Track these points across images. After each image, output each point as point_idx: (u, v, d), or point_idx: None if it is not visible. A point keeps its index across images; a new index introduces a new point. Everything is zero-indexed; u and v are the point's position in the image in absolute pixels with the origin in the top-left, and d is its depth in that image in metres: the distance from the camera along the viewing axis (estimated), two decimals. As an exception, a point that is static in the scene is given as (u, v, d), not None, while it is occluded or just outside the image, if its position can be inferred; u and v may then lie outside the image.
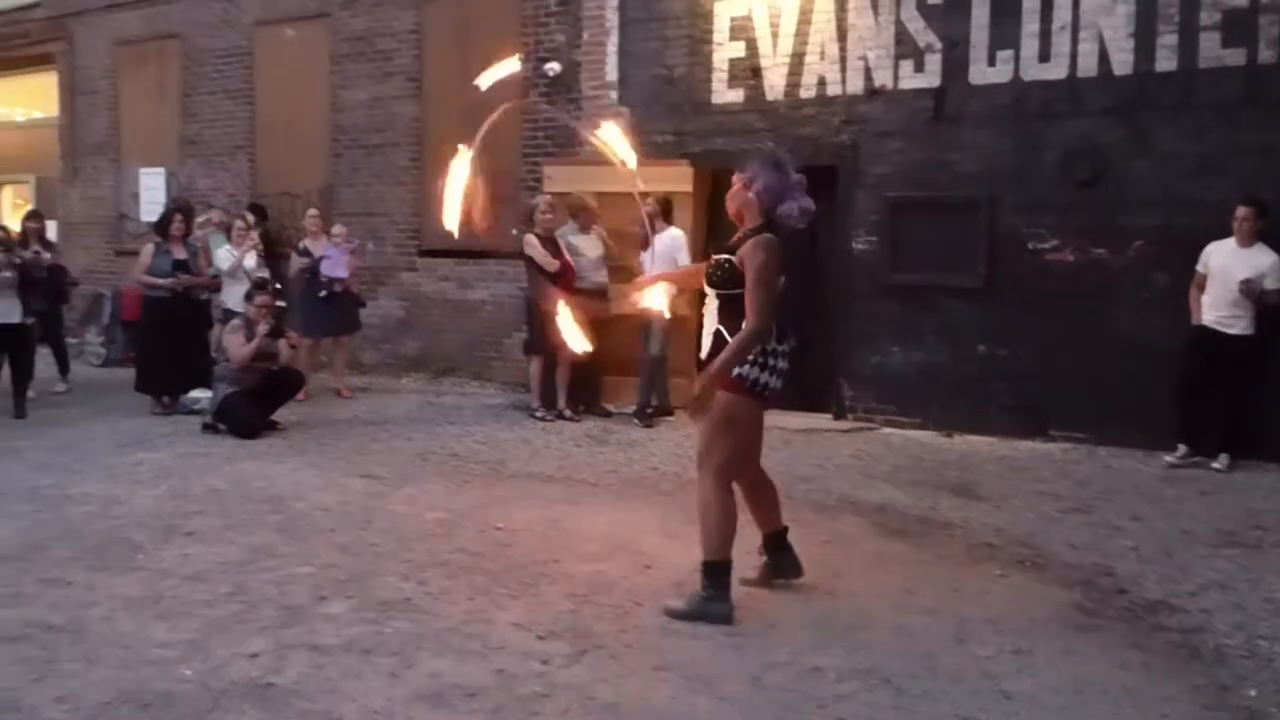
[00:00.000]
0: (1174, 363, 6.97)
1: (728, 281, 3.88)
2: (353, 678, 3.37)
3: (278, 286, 8.44)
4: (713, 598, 3.86)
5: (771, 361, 3.87)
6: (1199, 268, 6.89)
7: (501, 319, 10.07)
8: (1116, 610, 4.12)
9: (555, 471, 6.56)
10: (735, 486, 4.00)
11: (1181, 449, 6.88)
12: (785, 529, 4.24)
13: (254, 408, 7.56)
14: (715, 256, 3.96)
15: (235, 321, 7.80)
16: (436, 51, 10.55)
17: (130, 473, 6.34)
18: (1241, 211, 6.72)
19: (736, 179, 4.06)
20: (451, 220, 4.45)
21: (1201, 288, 6.87)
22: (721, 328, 3.89)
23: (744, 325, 3.77)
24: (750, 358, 3.80)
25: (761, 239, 3.85)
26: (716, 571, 3.88)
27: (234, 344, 7.58)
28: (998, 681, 3.39)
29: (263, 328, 7.61)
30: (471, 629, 3.80)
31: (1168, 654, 3.68)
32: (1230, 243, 6.80)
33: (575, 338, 4.84)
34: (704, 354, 3.96)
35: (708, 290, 3.98)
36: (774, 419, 8.20)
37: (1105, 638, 3.82)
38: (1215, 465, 6.72)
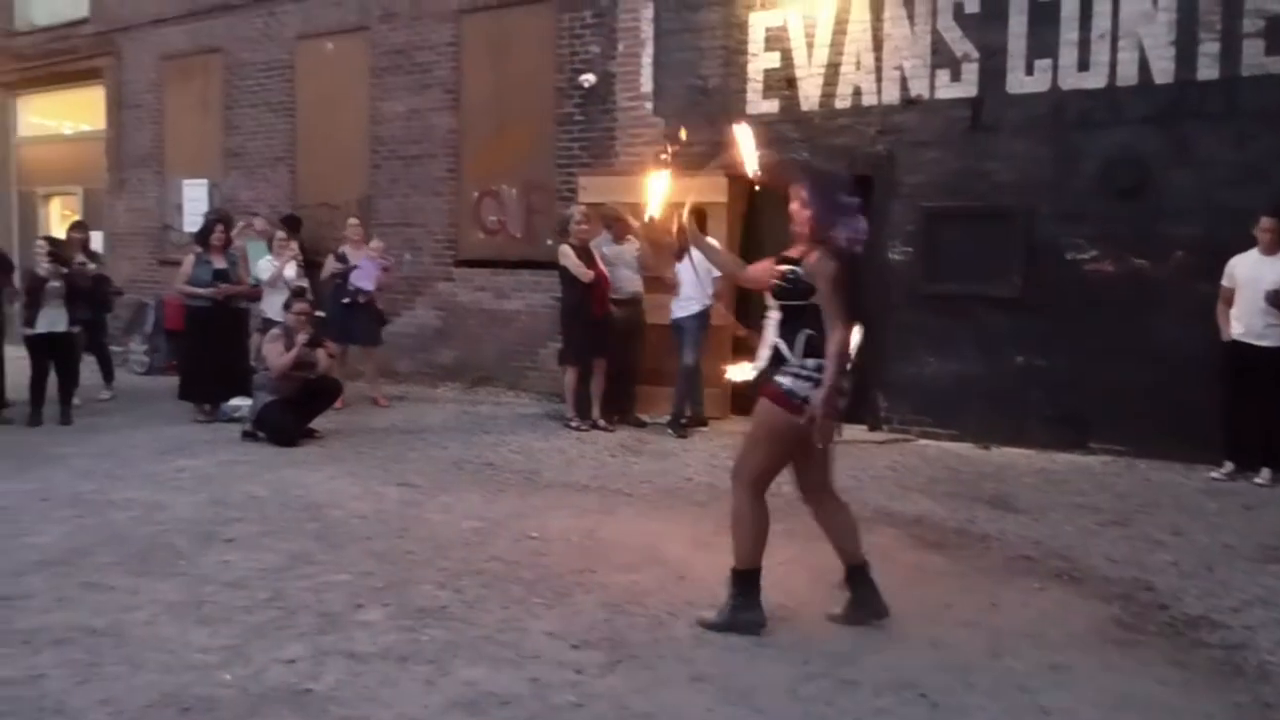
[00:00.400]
0: (1216, 374, 6.87)
1: (794, 293, 3.83)
2: (389, 685, 3.40)
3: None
4: (742, 606, 3.85)
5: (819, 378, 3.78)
6: (1225, 282, 6.81)
7: (537, 329, 10.12)
8: (1156, 625, 4.06)
9: (590, 481, 6.58)
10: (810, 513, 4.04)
11: (1228, 465, 6.77)
12: (865, 564, 4.05)
13: (292, 415, 7.66)
14: (782, 267, 3.91)
15: (274, 330, 7.90)
16: (474, 64, 10.66)
17: (172, 479, 6.45)
18: (1266, 222, 6.65)
19: (794, 196, 3.98)
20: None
21: (1229, 302, 6.80)
22: (780, 341, 3.84)
23: (829, 339, 3.72)
24: (804, 374, 3.75)
25: (829, 249, 3.81)
26: (746, 579, 3.87)
27: (273, 353, 7.68)
28: (1035, 696, 3.36)
29: (301, 337, 7.71)
30: (506, 637, 3.83)
31: (1209, 671, 3.63)
32: (1254, 254, 6.72)
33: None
34: (758, 367, 3.92)
35: (770, 302, 3.95)
36: (809, 430, 8.27)
37: (1145, 653, 3.77)
38: (1258, 480, 6.61)
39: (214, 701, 3.26)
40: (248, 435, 7.72)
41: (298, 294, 8.03)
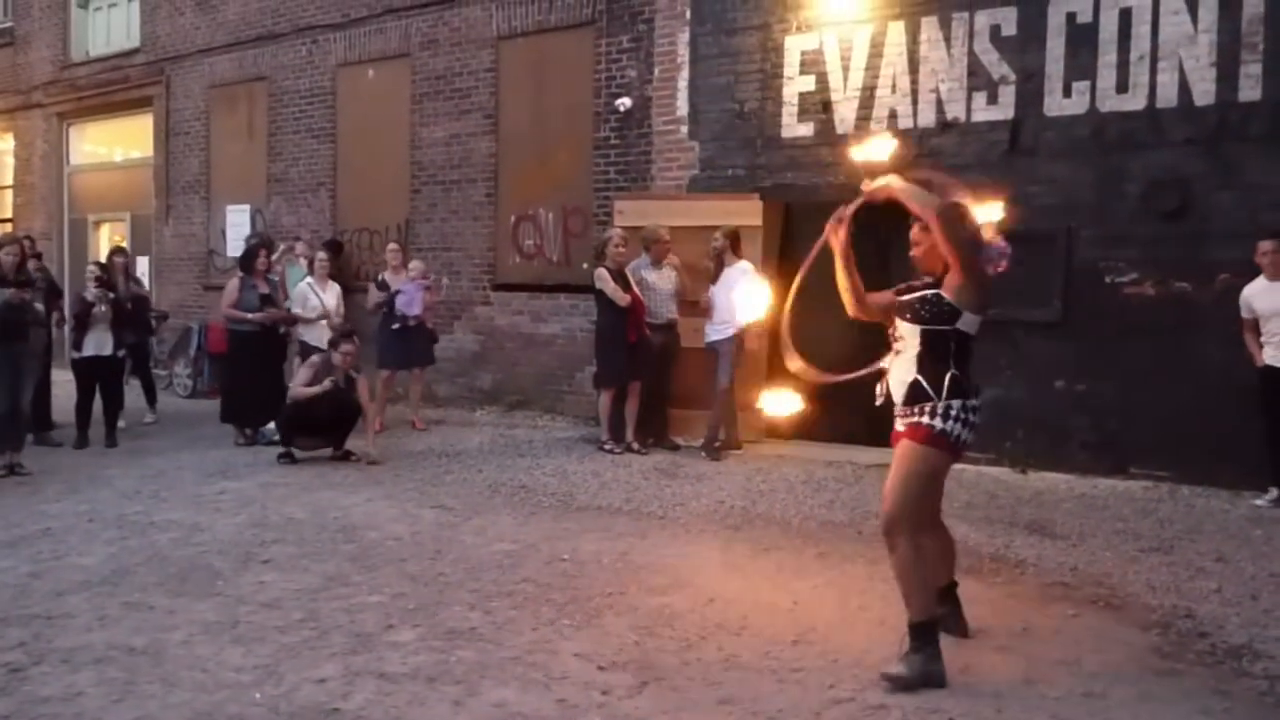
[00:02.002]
0: (1258, 400, 6.74)
1: (937, 316, 3.67)
2: (417, 705, 3.43)
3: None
4: (931, 657, 3.60)
5: (971, 418, 3.69)
6: (1244, 314, 6.73)
7: (574, 353, 10.18)
8: (1197, 654, 3.98)
9: (623, 504, 6.58)
10: (901, 543, 3.73)
11: (1273, 492, 6.64)
12: (954, 583, 4.07)
13: (303, 431, 7.81)
14: (920, 293, 3.74)
15: (314, 358, 8.01)
16: (512, 89, 10.80)
17: (213, 501, 6.55)
18: (1266, 245, 6.58)
19: (927, 226, 3.75)
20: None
21: (1254, 331, 6.72)
22: (920, 377, 3.67)
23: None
24: (953, 414, 3.62)
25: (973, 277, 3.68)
26: (928, 630, 3.63)
27: (301, 378, 7.81)
28: (1069, 725, 3.31)
29: (336, 377, 7.79)
30: (535, 659, 3.84)
31: (1252, 702, 3.54)
32: (1263, 281, 6.65)
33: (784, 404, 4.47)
34: (900, 402, 3.74)
35: (905, 331, 3.75)
36: (848, 454, 8.23)
37: (1185, 683, 3.69)
38: (1259, 501, 6.57)
39: (245, 720, 3.30)
40: (283, 458, 7.82)
41: (347, 335, 8.08)
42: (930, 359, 3.68)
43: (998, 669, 3.76)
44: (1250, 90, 7.12)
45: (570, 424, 9.77)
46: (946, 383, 3.64)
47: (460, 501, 6.57)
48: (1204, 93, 7.26)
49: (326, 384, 7.74)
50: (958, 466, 7.74)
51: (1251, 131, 7.11)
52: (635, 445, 8.38)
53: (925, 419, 3.64)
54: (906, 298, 3.80)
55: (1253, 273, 6.87)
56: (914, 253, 3.89)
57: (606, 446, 8.37)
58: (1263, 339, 6.68)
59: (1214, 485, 6.97)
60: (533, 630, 4.15)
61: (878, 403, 3.89)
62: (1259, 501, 6.62)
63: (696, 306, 8.51)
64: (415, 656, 3.86)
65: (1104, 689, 3.59)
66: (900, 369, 3.75)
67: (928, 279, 3.80)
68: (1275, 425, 6.62)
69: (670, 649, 3.95)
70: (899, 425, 3.75)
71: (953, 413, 3.62)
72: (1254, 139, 7.10)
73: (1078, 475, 7.50)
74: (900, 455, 3.70)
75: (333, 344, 8.06)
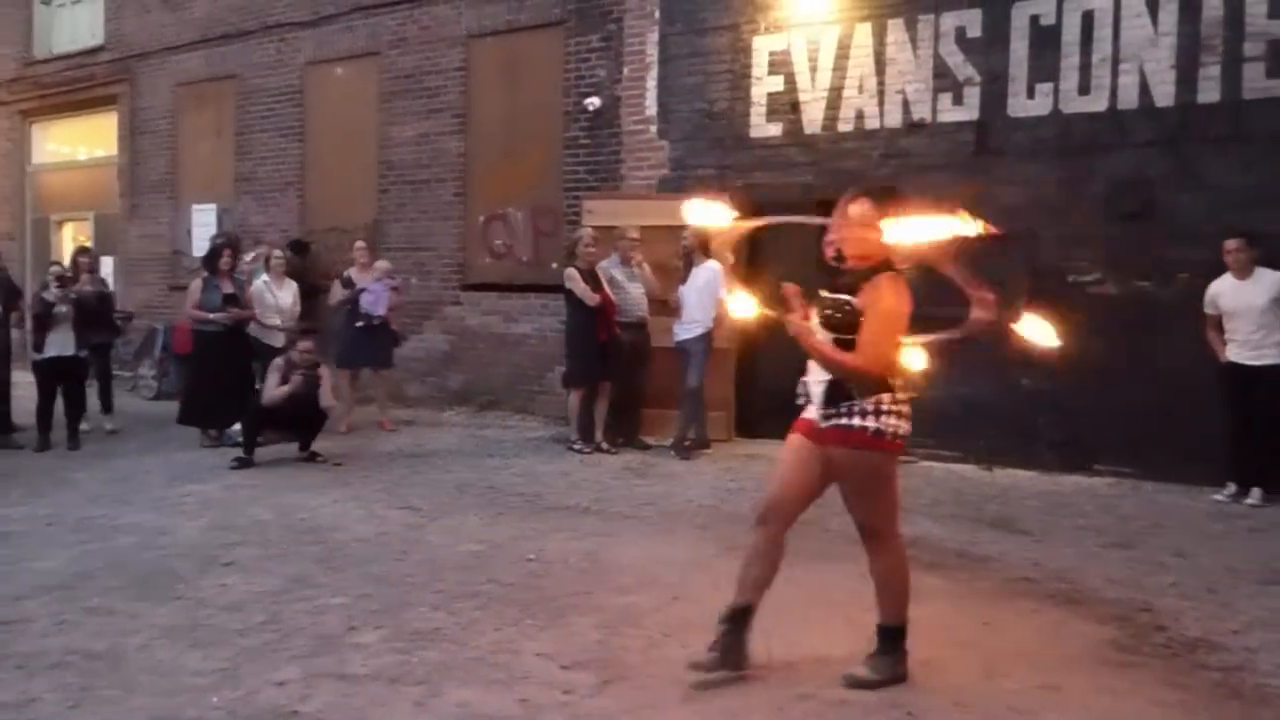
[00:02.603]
0: (1219, 397, 6.83)
1: (846, 325, 3.47)
2: (378, 706, 3.41)
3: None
4: (900, 660, 3.60)
5: (902, 408, 3.52)
6: (1208, 310, 6.81)
7: (545, 353, 10.16)
8: (1153, 647, 4.03)
9: (591, 504, 6.58)
10: (762, 534, 3.65)
11: (1231, 487, 6.73)
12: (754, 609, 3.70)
13: (267, 430, 7.76)
14: (833, 296, 3.54)
15: (277, 361, 7.95)
16: (482, 87, 10.78)
17: (177, 504, 6.49)
18: (1232, 244, 6.67)
19: (856, 216, 3.57)
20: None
21: (1216, 328, 6.80)
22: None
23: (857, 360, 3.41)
24: (884, 409, 3.45)
25: (895, 275, 3.52)
26: (901, 634, 3.63)
27: (270, 382, 7.76)
28: (1026, 717, 3.34)
29: (297, 377, 7.73)
30: (499, 659, 3.83)
31: (1206, 693, 3.59)
32: (1229, 278, 6.74)
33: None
34: (818, 406, 3.56)
35: (817, 327, 3.55)
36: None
37: (1141, 675, 3.74)
38: (1250, 501, 6.60)
39: (203, 723, 3.27)
40: (237, 462, 7.65)
41: (304, 333, 8.03)
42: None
43: (958, 663, 3.79)
44: (1210, 92, 7.22)
45: (541, 424, 9.75)
46: None
47: (428, 502, 6.54)
48: (1164, 94, 7.36)
49: (296, 378, 7.68)
50: (925, 464, 7.90)
51: (1211, 133, 7.21)
52: (605, 445, 8.38)
53: (856, 420, 3.47)
54: (826, 296, 3.58)
55: (1213, 272, 6.96)
56: (848, 251, 3.59)
57: (576, 446, 8.36)
58: (1226, 335, 6.77)
59: (1176, 481, 7.07)
60: (497, 630, 4.14)
61: (799, 401, 3.73)
62: (1218, 496, 6.71)
63: (666, 306, 8.52)
64: (378, 658, 3.84)
65: (1061, 682, 3.63)
66: (816, 367, 3.58)
67: (854, 273, 3.57)
68: (1236, 421, 6.71)
69: (634, 648, 3.96)
70: (822, 424, 3.56)
71: (883, 408, 3.46)
72: (1213, 140, 7.20)
73: (1043, 472, 7.58)
74: (846, 466, 3.52)
75: (290, 342, 8.00)
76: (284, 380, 7.72)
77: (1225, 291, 6.76)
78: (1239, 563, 5.25)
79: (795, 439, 3.70)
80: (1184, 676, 3.74)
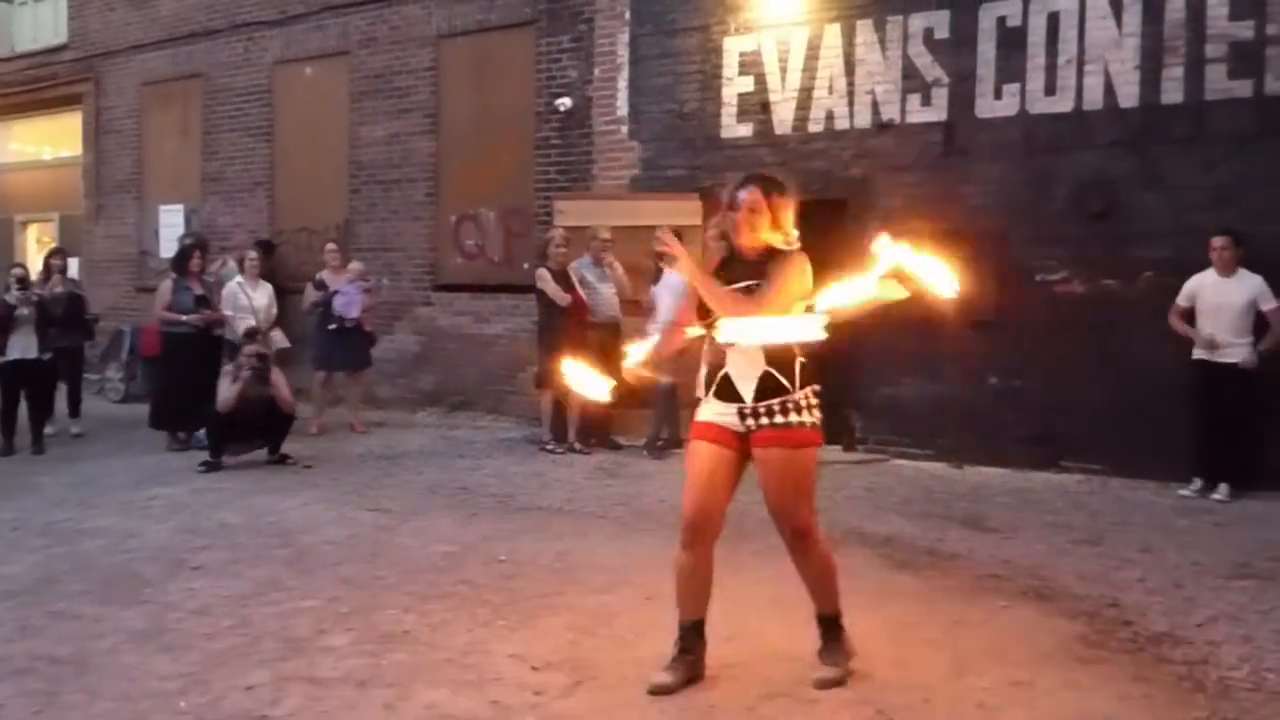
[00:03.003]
0: (1186, 394, 6.92)
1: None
2: (348, 709, 3.39)
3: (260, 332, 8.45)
4: (844, 639, 3.63)
5: (819, 400, 3.50)
6: (1182, 301, 6.88)
7: (517, 353, 10.12)
8: (1120, 642, 4.07)
9: (564, 504, 6.57)
10: (689, 556, 3.60)
11: (1197, 482, 6.82)
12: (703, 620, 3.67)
13: (232, 436, 7.65)
14: (747, 284, 3.48)
15: (227, 368, 7.86)
16: (453, 88, 10.73)
17: (144, 507, 6.42)
18: (1219, 241, 6.74)
19: (746, 203, 3.52)
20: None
21: (1182, 316, 6.88)
22: (771, 369, 3.40)
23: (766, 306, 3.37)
24: (815, 403, 3.46)
25: (800, 254, 3.50)
26: (838, 623, 3.66)
27: (221, 388, 7.67)
28: (993, 713, 3.36)
29: (245, 374, 7.65)
30: (470, 660, 3.82)
31: (1170, 686, 3.63)
32: (1211, 274, 6.81)
33: (594, 386, 4.21)
34: (749, 399, 3.44)
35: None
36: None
37: (1108, 669, 3.77)
38: (1216, 496, 6.69)
39: (170, 729, 3.24)
40: (204, 465, 7.58)
41: (249, 335, 7.97)
42: (778, 348, 3.42)
43: (928, 661, 3.82)
44: (1173, 93, 7.32)
45: (513, 425, 9.73)
46: (797, 370, 3.43)
47: (399, 504, 6.51)
48: (1129, 95, 7.45)
49: (245, 374, 7.60)
50: (895, 463, 7.96)
51: (1174, 133, 7.31)
52: (577, 445, 8.37)
53: (794, 417, 3.42)
54: (738, 287, 3.49)
55: (1176, 270, 7.07)
56: (738, 240, 3.59)
57: (549, 447, 8.35)
58: (1198, 329, 6.83)
59: (1143, 477, 7.16)
60: (468, 632, 4.13)
61: (698, 394, 3.64)
62: (1185, 491, 6.80)
63: (638, 306, 8.52)
64: (347, 661, 3.81)
65: (1030, 677, 3.66)
66: (741, 362, 3.46)
67: (753, 263, 3.53)
68: (1204, 418, 6.79)
69: (606, 648, 3.95)
70: (752, 427, 3.46)
71: (813, 401, 3.46)
72: (1176, 140, 7.30)
73: (1012, 469, 7.64)
74: (784, 466, 3.43)
75: (238, 346, 7.94)
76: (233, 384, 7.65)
77: (1206, 287, 6.82)
78: (1205, 558, 5.31)
79: (703, 448, 3.55)
80: (1149, 670, 3.78)
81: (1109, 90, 7.50)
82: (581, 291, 8.41)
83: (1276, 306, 6.64)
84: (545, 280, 8.34)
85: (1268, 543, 5.61)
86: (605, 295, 8.55)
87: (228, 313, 8.90)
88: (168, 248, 12.16)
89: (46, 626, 4.21)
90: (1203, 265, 6.91)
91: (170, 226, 12.82)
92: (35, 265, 10.53)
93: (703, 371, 3.62)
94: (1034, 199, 7.78)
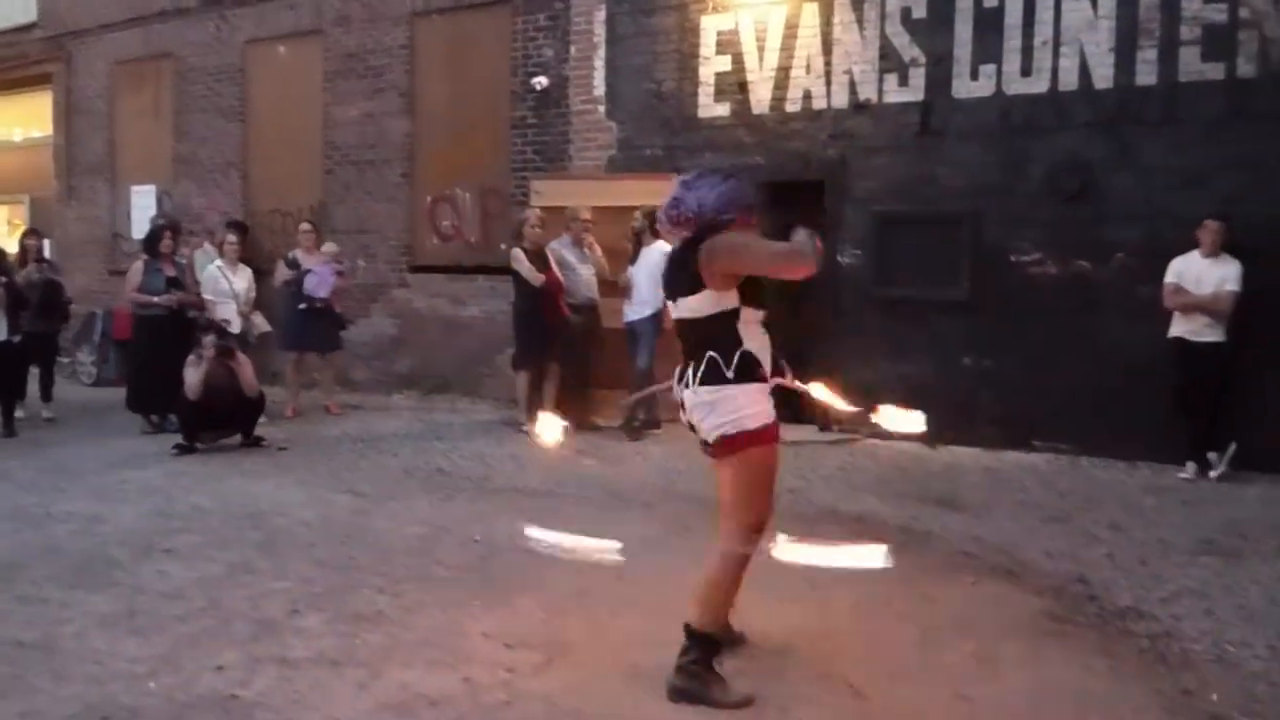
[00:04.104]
0: (1157, 374, 6.98)
1: (690, 288, 3.31)
2: (320, 689, 3.39)
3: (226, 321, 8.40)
4: (715, 678, 3.31)
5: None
6: (1170, 278, 6.92)
7: (494, 335, 10.08)
8: (1086, 617, 4.13)
9: (540, 485, 6.57)
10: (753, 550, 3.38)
11: (1193, 466, 6.87)
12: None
13: (204, 421, 7.61)
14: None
15: (191, 357, 7.76)
16: (428, 67, 10.64)
17: (116, 491, 6.37)
18: (1212, 225, 6.80)
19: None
20: None
21: (1175, 293, 6.93)
22: (714, 354, 3.28)
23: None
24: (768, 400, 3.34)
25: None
26: (712, 644, 3.35)
27: (188, 375, 7.60)
28: (960, 686, 3.41)
29: (207, 361, 7.59)
30: (443, 640, 3.83)
31: (1134, 659, 3.70)
32: (1195, 255, 6.87)
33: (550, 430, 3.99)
34: (695, 381, 3.33)
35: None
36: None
37: (1073, 643, 3.83)
38: (1183, 475, 6.79)
39: (138, 711, 3.23)
40: (177, 448, 7.54)
41: (204, 328, 7.88)
42: (711, 331, 3.33)
43: (898, 636, 3.86)
44: (1147, 75, 7.34)
45: (490, 407, 9.71)
46: (737, 360, 3.30)
47: (374, 486, 6.49)
48: (1103, 77, 7.47)
49: (208, 356, 7.55)
50: (871, 442, 8.00)
51: (1148, 115, 7.34)
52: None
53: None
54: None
55: (1149, 251, 7.13)
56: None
57: (525, 428, 8.34)
58: (1177, 310, 6.89)
59: (1112, 457, 7.24)
60: (441, 612, 4.13)
61: (667, 385, 3.57)
62: (1183, 475, 6.83)
63: (615, 287, 8.51)
64: (319, 641, 3.81)
65: (996, 651, 3.71)
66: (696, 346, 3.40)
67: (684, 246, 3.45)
68: (1189, 397, 6.85)
69: (579, 627, 3.97)
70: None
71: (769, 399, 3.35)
72: (1150, 122, 7.33)
73: (985, 449, 7.70)
74: (748, 463, 3.35)
75: (201, 336, 7.83)
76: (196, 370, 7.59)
77: (1191, 267, 6.87)
78: (1171, 535, 5.39)
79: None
80: (1114, 644, 3.84)
81: (1084, 71, 7.51)
82: (559, 272, 8.38)
83: (1235, 292, 6.71)
84: (519, 260, 8.31)
85: (1233, 521, 5.70)
86: (584, 277, 8.53)
87: (208, 297, 8.81)
88: (140, 229, 12.03)
89: (12, 611, 4.18)
90: (1175, 247, 6.96)
91: (142, 208, 12.67)
92: (7, 247, 10.34)
93: (762, 357, 3.40)
94: (1009, 180, 7.80)
